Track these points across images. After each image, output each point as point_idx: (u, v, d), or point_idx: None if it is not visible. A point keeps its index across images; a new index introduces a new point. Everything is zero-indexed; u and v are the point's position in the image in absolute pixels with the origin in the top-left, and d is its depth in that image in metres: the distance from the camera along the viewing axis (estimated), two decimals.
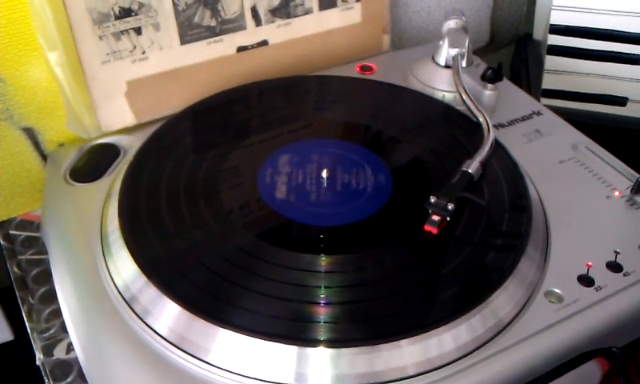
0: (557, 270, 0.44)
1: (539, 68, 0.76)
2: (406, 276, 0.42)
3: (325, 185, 0.50)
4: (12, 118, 0.56)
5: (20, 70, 0.54)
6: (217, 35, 0.60)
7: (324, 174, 0.50)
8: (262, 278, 0.42)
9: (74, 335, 0.43)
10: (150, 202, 0.48)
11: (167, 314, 0.40)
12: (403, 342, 0.38)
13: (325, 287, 0.41)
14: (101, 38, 0.54)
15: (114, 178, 0.52)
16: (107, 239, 0.46)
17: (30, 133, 0.57)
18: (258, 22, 0.62)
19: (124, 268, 0.43)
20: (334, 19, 0.66)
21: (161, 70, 0.58)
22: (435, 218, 0.45)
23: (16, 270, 0.54)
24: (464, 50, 0.60)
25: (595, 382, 0.47)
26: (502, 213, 0.47)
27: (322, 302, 0.40)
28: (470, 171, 0.48)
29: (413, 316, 0.40)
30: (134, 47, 0.56)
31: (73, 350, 0.47)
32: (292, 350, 0.38)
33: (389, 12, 0.70)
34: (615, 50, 0.70)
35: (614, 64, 0.71)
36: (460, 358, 0.39)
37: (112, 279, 0.44)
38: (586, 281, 0.43)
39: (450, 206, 0.45)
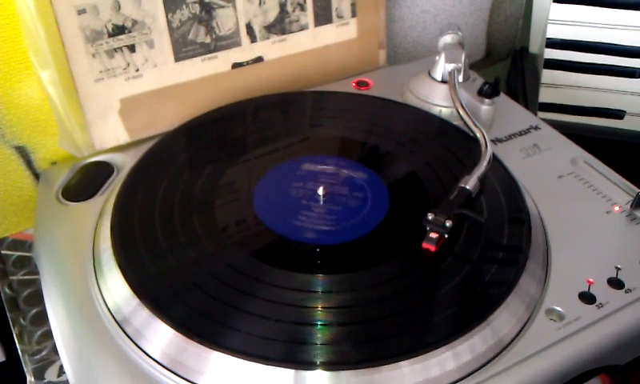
0: (558, 286, 0.43)
1: (536, 82, 0.75)
2: (404, 295, 0.42)
3: (321, 202, 0.49)
4: (4, 136, 0.55)
5: (12, 88, 0.54)
6: (211, 52, 0.60)
7: (320, 191, 0.50)
8: (257, 299, 0.41)
9: (65, 358, 0.42)
10: (143, 221, 0.47)
11: (160, 336, 0.39)
12: (403, 363, 0.37)
13: (322, 307, 0.41)
14: (94, 55, 0.54)
15: (107, 197, 0.51)
16: (99, 260, 0.45)
17: (22, 151, 0.57)
18: (253, 38, 0.61)
19: (116, 289, 0.43)
20: (329, 35, 0.66)
21: (155, 87, 0.58)
22: (433, 235, 0.44)
23: (7, 290, 0.54)
24: (460, 64, 0.60)
25: None
26: (501, 229, 0.47)
27: (319, 322, 0.40)
28: (467, 187, 0.47)
29: (412, 336, 0.39)
30: (128, 65, 0.56)
31: (64, 373, 0.46)
32: (288, 373, 0.37)
33: (384, 27, 0.69)
34: (612, 63, 0.70)
35: (611, 77, 0.71)
36: (461, 379, 0.38)
37: (104, 301, 0.43)
38: (587, 298, 0.43)
39: (448, 223, 0.44)
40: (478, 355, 0.38)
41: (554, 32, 0.71)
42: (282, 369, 0.37)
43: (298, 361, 0.37)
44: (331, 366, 0.37)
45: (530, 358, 0.39)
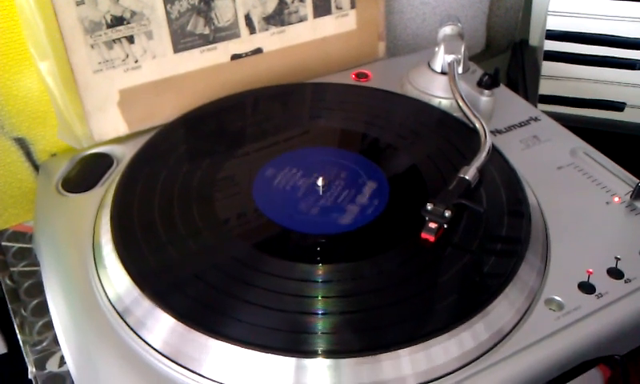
0: (557, 277, 0.44)
1: (536, 74, 0.75)
2: (404, 284, 0.42)
3: (321, 193, 0.49)
4: (3, 128, 0.55)
5: (11, 80, 0.54)
6: (210, 43, 0.60)
7: (320, 182, 0.50)
8: (258, 289, 0.41)
9: (65, 348, 0.42)
10: (143, 212, 0.47)
11: (161, 326, 0.40)
12: (402, 351, 0.37)
13: (322, 297, 0.41)
14: (93, 46, 0.54)
15: (107, 188, 0.51)
16: (100, 250, 0.45)
17: (22, 143, 0.57)
18: (252, 29, 0.61)
19: (116, 280, 0.43)
20: (328, 26, 0.66)
21: (154, 78, 0.58)
22: (432, 225, 0.44)
23: (8, 281, 0.54)
24: (460, 56, 0.60)
25: None
26: (501, 219, 0.47)
27: (320, 311, 0.40)
28: (466, 178, 0.47)
29: (412, 325, 0.39)
30: (127, 56, 0.56)
31: (65, 363, 0.46)
32: (290, 361, 0.37)
33: (384, 19, 0.69)
34: (612, 54, 0.70)
35: (611, 69, 0.71)
36: (460, 368, 0.38)
37: (104, 291, 0.43)
38: (586, 288, 0.43)
39: (447, 213, 0.44)
40: (477, 344, 0.39)
41: (554, 24, 0.71)
42: (283, 357, 0.37)
43: (299, 349, 0.37)
44: (332, 354, 0.37)
45: (529, 347, 0.39)
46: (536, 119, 0.59)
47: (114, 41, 0.55)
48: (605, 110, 0.73)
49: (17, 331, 0.50)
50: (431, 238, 0.44)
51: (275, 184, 0.50)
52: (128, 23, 0.55)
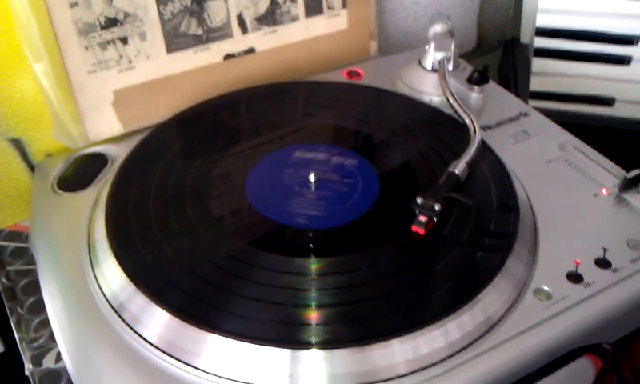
0: (545, 267, 0.44)
1: (527, 71, 0.76)
2: (395, 276, 0.42)
3: (313, 189, 0.50)
4: None
5: (7, 82, 0.54)
6: (203, 43, 0.60)
7: (312, 178, 0.50)
8: (252, 283, 0.42)
9: (62, 345, 0.43)
10: (137, 210, 0.48)
11: (156, 321, 0.40)
12: (394, 341, 0.38)
13: (315, 289, 0.41)
14: (87, 48, 0.54)
15: (102, 187, 0.52)
16: (95, 248, 0.46)
17: (18, 143, 0.57)
18: (244, 29, 0.62)
19: (112, 276, 0.43)
20: (320, 26, 0.66)
21: (147, 79, 0.58)
22: (422, 218, 0.45)
23: (5, 280, 0.54)
24: (450, 53, 0.60)
25: (589, 380, 0.46)
26: (490, 212, 0.47)
27: (313, 304, 0.40)
28: (456, 172, 0.48)
29: (403, 315, 0.40)
30: (121, 57, 0.56)
31: (62, 359, 0.46)
32: (284, 353, 0.38)
33: (375, 18, 0.70)
34: (601, 50, 0.71)
35: (600, 65, 0.71)
36: (450, 356, 0.38)
37: (100, 288, 0.43)
38: (574, 278, 0.43)
39: (437, 207, 0.45)
40: (466, 333, 0.39)
41: (544, 21, 0.72)
42: (278, 349, 0.38)
43: (293, 341, 0.38)
44: (326, 345, 0.38)
45: (517, 335, 0.40)
46: (525, 114, 0.60)
47: (107, 42, 0.55)
48: (595, 105, 0.73)
49: (13, 329, 0.51)
50: (421, 231, 0.44)
51: (268, 181, 0.51)
52: (121, 24, 0.55)
